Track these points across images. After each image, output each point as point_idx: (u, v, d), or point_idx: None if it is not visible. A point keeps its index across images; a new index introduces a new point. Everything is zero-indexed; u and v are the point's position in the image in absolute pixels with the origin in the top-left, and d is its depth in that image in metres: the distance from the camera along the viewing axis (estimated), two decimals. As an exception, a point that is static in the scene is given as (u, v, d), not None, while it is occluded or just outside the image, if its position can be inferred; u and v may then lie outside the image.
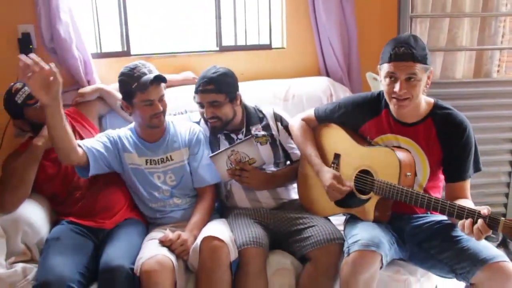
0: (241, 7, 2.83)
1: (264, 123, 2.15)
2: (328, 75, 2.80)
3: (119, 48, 2.64)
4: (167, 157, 2.02)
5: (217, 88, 1.98)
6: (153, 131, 2.00)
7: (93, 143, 1.91)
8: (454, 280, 1.75)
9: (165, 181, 2.02)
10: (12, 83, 1.99)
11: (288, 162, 2.19)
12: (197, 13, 2.92)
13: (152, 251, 1.74)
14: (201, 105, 2.03)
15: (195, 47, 2.77)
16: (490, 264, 1.60)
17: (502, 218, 1.49)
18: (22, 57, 1.59)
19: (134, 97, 1.88)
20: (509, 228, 1.47)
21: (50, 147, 1.92)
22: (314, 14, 2.72)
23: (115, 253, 1.73)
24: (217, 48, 2.78)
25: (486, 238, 1.63)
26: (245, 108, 2.15)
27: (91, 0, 2.55)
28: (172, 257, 1.74)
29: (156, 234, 1.89)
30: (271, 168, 2.11)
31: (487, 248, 1.67)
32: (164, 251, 1.75)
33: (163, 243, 1.79)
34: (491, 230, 1.50)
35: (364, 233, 1.72)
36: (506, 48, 2.97)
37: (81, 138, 2.07)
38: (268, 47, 2.87)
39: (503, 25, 2.94)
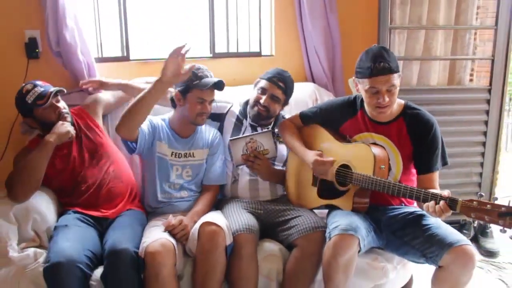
0: (233, 17, 2.96)
1: None
2: (313, 81, 2.94)
3: (119, 53, 2.75)
4: (190, 153, 2.19)
5: (285, 90, 2.23)
6: (188, 127, 2.18)
7: (143, 126, 2.05)
8: (427, 267, 1.91)
9: (181, 174, 2.18)
10: (24, 84, 2.11)
11: None
12: (192, 22, 3.04)
13: (156, 235, 1.89)
14: (263, 91, 2.21)
15: (190, 54, 2.86)
16: (455, 248, 1.77)
17: (460, 199, 1.67)
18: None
19: (191, 91, 2.07)
20: (466, 207, 1.65)
21: (61, 143, 2.07)
22: (301, 24, 2.86)
23: (120, 238, 1.87)
24: (211, 55, 2.91)
25: (461, 233, 1.79)
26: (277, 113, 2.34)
27: (93, 7, 2.67)
28: (174, 241, 1.89)
29: (158, 222, 2.05)
30: (279, 166, 2.31)
31: (453, 234, 1.85)
32: (166, 236, 1.90)
33: (166, 228, 1.94)
34: (451, 210, 1.68)
35: (343, 219, 1.89)
36: (477, 58, 3.16)
37: (86, 135, 2.20)
38: (258, 54, 3.02)
39: (475, 37, 3.12)
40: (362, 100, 2.06)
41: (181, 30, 3.04)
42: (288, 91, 2.25)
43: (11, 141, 2.44)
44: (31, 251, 1.89)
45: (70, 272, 1.73)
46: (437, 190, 1.86)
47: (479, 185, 3.10)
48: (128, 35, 2.74)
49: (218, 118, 2.36)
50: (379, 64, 1.85)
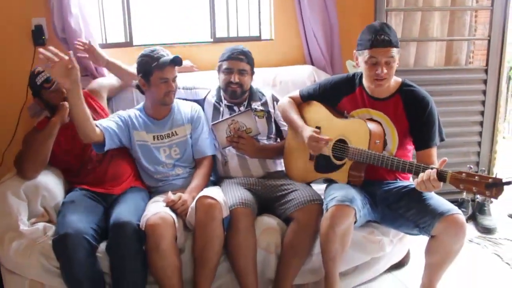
0: (233, 2, 2.99)
1: (263, 101, 2.42)
2: (312, 63, 2.97)
3: (122, 39, 2.80)
4: (172, 133, 2.26)
5: (247, 60, 2.30)
6: (161, 108, 2.23)
7: (108, 123, 2.14)
8: (424, 242, 1.96)
9: (170, 154, 2.25)
10: (37, 66, 2.19)
11: (279, 140, 2.45)
12: (192, 7, 3.08)
13: (156, 209, 1.96)
14: (230, 71, 2.28)
15: (191, 39, 2.93)
16: (446, 217, 1.83)
17: (450, 170, 1.74)
18: (42, 50, 1.82)
19: (152, 74, 2.12)
20: (455, 179, 1.72)
21: (66, 124, 2.15)
22: (299, 8, 2.89)
23: (123, 212, 1.95)
24: (211, 40, 2.95)
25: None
26: (249, 87, 2.41)
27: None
28: (174, 215, 1.97)
29: (159, 198, 2.12)
30: (264, 141, 2.37)
31: (444, 204, 1.91)
32: (166, 210, 1.98)
33: (166, 204, 2.01)
34: (441, 182, 1.74)
35: (339, 192, 1.95)
36: (473, 39, 3.18)
37: (93, 118, 2.27)
38: (257, 38, 3.04)
39: (476, 19, 3.15)
40: (361, 77, 2.11)
41: (182, 15, 3.08)
42: (250, 60, 2.33)
43: (20, 124, 2.52)
44: (40, 225, 1.98)
45: (77, 242, 1.81)
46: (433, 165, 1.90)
47: (477, 164, 3.14)
48: (131, 21, 2.79)
49: (198, 104, 2.42)
50: (379, 36, 1.91)
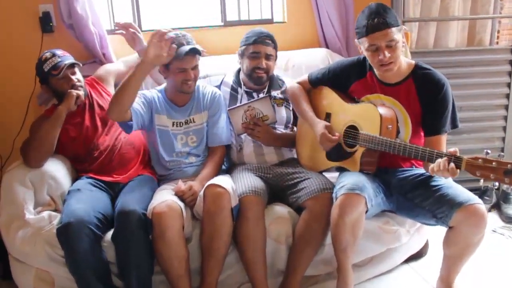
0: None
1: (283, 88, 2.35)
2: (327, 46, 2.87)
3: None
4: (190, 119, 2.20)
5: (273, 44, 2.24)
6: (181, 95, 2.17)
7: (135, 104, 2.06)
8: (443, 232, 1.87)
9: (187, 142, 2.19)
10: (46, 51, 2.16)
11: (295, 129, 2.36)
12: None
13: (163, 197, 1.92)
14: (256, 55, 2.20)
15: (201, 23, 2.85)
16: (465, 206, 1.74)
17: (465, 157, 1.63)
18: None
19: (171, 63, 2.06)
20: (471, 166, 1.61)
21: (74, 112, 2.13)
22: None
23: (129, 201, 1.92)
24: (222, 23, 2.86)
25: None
26: None
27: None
28: (181, 204, 1.92)
29: (167, 186, 2.08)
30: (281, 129, 2.30)
31: (463, 192, 1.81)
32: (174, 198, 1.93)
33: (176, 193, 1.97)
34: (458, 169, 1.63)
35: (349, 179, 1.88)
36: (499, 17, 3.03)
37: (99, 105, 2.25)
38: (269, 21, 2.93)
39: None
40: None
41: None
42: (275, 44, 2.27)
43: (29, 113, 2.51)
44: (46, 213, 1.97)
45: (80, 231, 1.79)
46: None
47: (502, 150, 3.01)
48: (139, 5, 2.74)
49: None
50: (373, 21, 1.80)
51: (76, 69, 2.19)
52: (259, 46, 2.21)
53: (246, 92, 2.31)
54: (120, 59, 2.54)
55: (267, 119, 2.21)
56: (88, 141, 2.19)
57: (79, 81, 2.17)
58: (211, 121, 2.22)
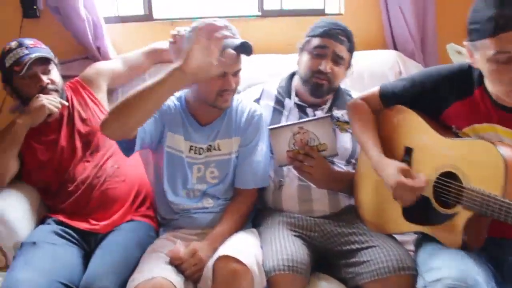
0: None
1: None
2: (396, 48, 2.45)
3: (140, 12, 2.32)
4: (214, 146, 1.62)
5: (349, 44, 1.72)
6: (209, 110, 1.60)
7: None
8: None
9: (204, 176, 1.62)
10: (13, 40, 1.72)
11: None
12: None
13: (151, 270, 1.35)
14: (321, 52, 1.67)
15: (231, 11, 2.45)
16: None
17: None
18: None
19: None
20: None
21: (44, 126, 1.67)
22: None
23: (100, 270, 1.37)
24: (259, 13, 2.46)
25: None
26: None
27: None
28: (178, 282, 1.34)
29: (163, 244, 1.51)
30: (341, 165, 1.71)
31: None
32: (167, 272, 1.35)
33: (172, 260, 1.40)
34: None
35: (450, 267, 1.26)
36: None
37: (81, 118, 1.77)
38: (321, 12, 2.53)
39: None
40: (481, 72, 1.37)
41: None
42: (352, 46, 1.73)
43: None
44: (-17, 277, 1.42)
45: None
46: None
47: None
48: (151, -13, 2.32)
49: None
50: (510, 10, 1.17)
51: (52, 67, 1.72)
52: (328, 41, 1.67)
53: (298, 106, 1.74)
54: (119, 55, 2.07)
55: (324, 148, 1.61)
56: (62, 169, 1.69)
57: (52, 82, 1.70)
58: (244, 152, 1.63)
